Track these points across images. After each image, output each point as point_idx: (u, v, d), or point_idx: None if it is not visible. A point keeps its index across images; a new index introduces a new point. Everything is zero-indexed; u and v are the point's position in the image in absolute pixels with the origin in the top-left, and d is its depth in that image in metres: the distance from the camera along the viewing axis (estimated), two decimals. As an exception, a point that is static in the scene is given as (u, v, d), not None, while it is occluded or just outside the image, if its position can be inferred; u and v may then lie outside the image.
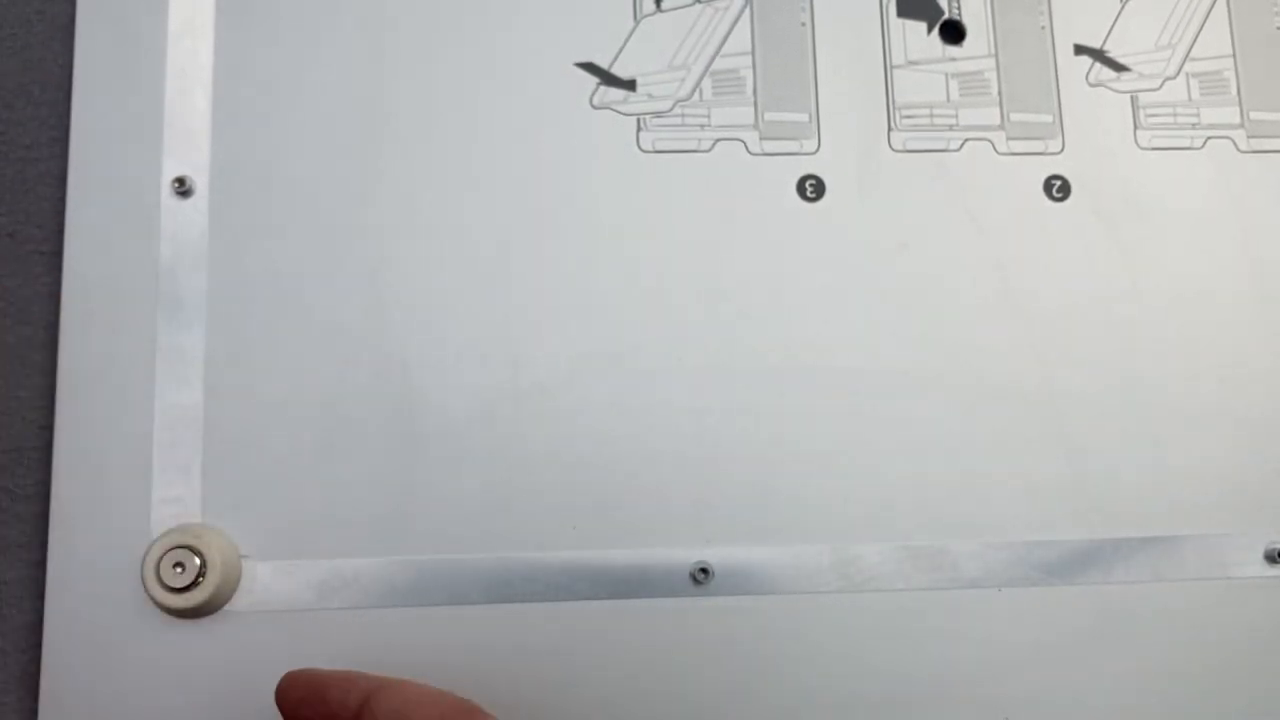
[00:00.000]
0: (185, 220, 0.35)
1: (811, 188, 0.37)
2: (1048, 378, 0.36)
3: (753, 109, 0.37)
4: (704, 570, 0.34)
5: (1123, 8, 0.39)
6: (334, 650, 0.33)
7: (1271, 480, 0.36)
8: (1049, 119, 0.38)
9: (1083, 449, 0.36)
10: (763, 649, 0.34)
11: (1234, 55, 0.39)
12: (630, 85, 0.37)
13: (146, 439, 0.34)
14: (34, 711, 0.33)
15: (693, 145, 0.37)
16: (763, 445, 0.35)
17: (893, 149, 0.37)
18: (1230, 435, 0.36)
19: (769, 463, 0.35)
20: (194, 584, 0.31)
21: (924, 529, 0.35)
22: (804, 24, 0.38)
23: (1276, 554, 0.36)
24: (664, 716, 0.34)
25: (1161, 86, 0.38)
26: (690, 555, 0.35)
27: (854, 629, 0.35)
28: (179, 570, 0.31)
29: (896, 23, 0.38)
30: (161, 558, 0.31)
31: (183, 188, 0.35)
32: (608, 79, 0.37)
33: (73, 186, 0.35)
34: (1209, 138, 0.38)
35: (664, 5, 0.38)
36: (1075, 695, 0.35)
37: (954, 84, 0.38)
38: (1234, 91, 0.39)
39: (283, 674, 0.29)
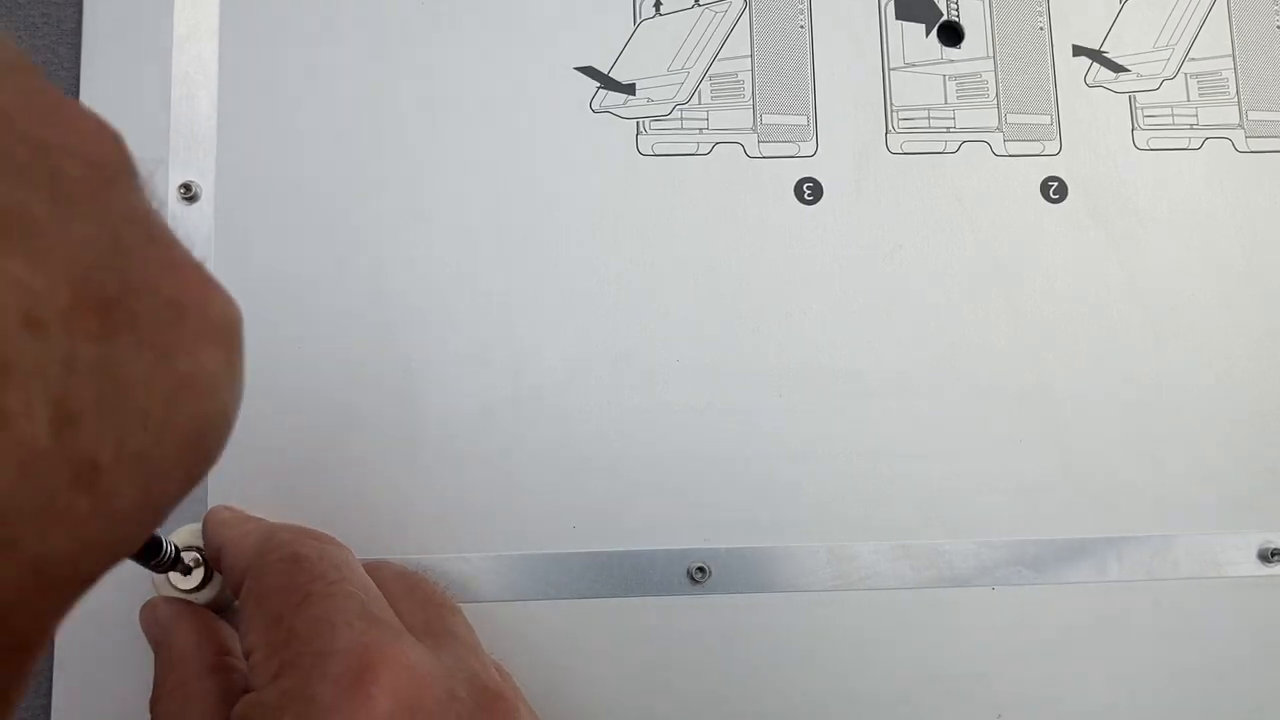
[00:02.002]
0: (191, 226, 0.36)
1: (809, 190, 0.37)
2: (1044, 378, 0.36)
3: (751, 112, 0.37)
4: (701, 569, 0.35)
5: (1121, 8, 0.39)
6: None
7: (1266, 480, 0.36)
8: (1047, 120, 0.38)
9: (1078, 448, 0.36)
10: (759, 646, 0.35)
11: (1233, 55, 0.39)
12: (629, 89, 0.37)
13: (155, 440, 0.35)
14: (48, 710, 0.34)
15: (691, 148, 0.37)
16: (760, 445, 0.36)
17: (890, 151, 0.37)
18: (1225, 435, 0.36)
19: (766, 462, 0.36)
20: (201, 585, 0.31)
21: (919, 528, 0.36)
22: (802, 27, 0.38)
23: (1270, 553, 0.36)
24: (662, 713, 0.34)
25: (1160, 87, 0.38)
26: (688, 554, 0.35)
27: (849, 627, 0.35)
28: (186, 572, 0.31)
29: (895, 25, 0.38)
30: (170, 558, 0.32)
31: (189, 193, 0.36)
32: (607, 83, 0.37)
33: (80, 191, 0.36)
34: (1207, 138, 0.38)
35: (663, 9, 0.38)
36: (1068, 693, 0.35)
37: (952, 86, 0.38)
38: (1233, 92, 0.39)
39: None
